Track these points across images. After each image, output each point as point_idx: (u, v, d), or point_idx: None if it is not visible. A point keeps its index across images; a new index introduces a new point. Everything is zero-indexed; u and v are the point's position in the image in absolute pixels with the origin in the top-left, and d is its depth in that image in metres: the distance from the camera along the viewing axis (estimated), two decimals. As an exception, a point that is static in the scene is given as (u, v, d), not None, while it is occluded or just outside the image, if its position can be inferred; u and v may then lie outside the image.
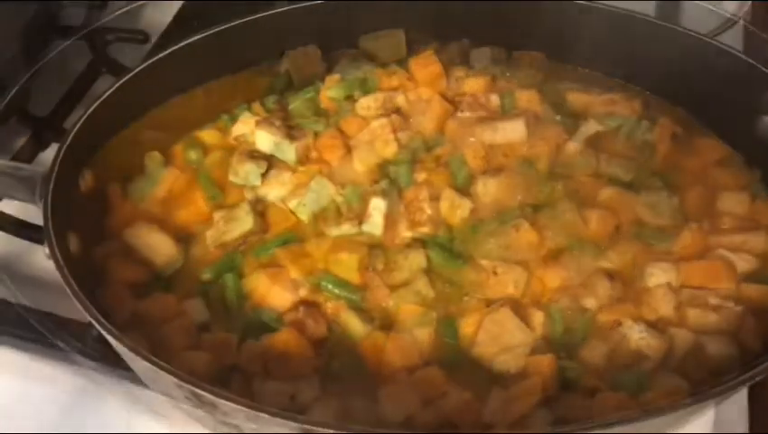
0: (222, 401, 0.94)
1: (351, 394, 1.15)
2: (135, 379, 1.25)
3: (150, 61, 1.39)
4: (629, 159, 1.45)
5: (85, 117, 1.28)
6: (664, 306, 1.24)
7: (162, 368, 0.96)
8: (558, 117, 1.51)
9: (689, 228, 1.33)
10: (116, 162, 1.38)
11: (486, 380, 1.17)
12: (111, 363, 1.28)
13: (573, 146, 1.46)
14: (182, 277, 1.30)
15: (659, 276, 1.28)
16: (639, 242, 1.33)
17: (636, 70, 1.55)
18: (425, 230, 1.31)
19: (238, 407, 0.93)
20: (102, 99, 1.32)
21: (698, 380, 1.17)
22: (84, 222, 1.27)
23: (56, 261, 1.08)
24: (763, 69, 1.40)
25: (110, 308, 1.21)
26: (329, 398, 1.15)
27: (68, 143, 1.24)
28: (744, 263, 1.29)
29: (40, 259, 1.43)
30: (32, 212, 1.27)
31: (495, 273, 1.26)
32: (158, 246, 1.29)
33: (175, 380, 0.95)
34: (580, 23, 1.54)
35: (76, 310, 1.25)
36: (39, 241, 1.19)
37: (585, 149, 1.46)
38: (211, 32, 1.47)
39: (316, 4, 1.55)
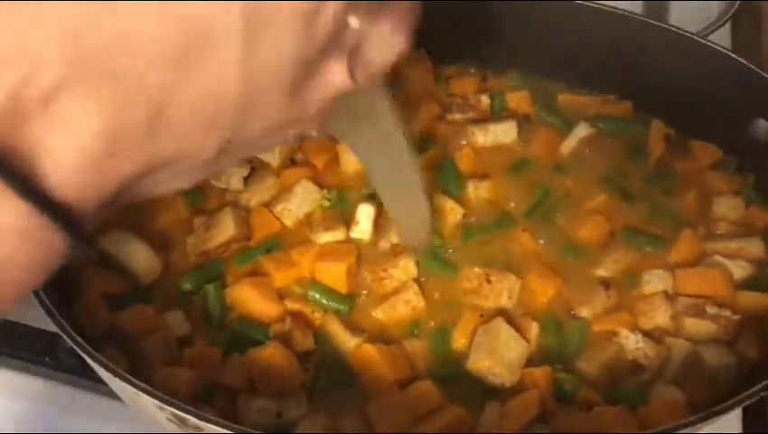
0: (208, 425, 0.88)
1: (339, 410, 1.11)
2: (111, 393, 1.19)
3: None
4: (622, 162, 1.42)
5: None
6: (661, 315, 1.21)
7: (141, 389, 0.90)
8: (550, 119, 1.47)
9: (685, 234, 1.30)
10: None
11: (480, 394, 1.13)
12: (85, 376, 1.24)
13: (566, 149, 1.43)
14: (161, 287, 1.23)
15: (655, 283, 1.25)
16: (633, 249, 1.30)
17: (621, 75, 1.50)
18: (420, 242, 1.27)
19: (224, 431, 0.88)
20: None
21: (695, 390, 1.14)
22: (56, 230, 1.20)
23: (26, 272, 1.01)
24: (757, 69, 1.37)
25: (85, 321, 1.15)
26: (316, 414, 1.10)
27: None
28: (739, 270, 1.26)
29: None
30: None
31: (489, 281, 1.22)
32: (136, 254, 1.22)
33: (156, 402, 0.90)
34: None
35: (46, 320, 1.20)
36: (8, 250, 1.12)
37: (577, 152, 1.43)
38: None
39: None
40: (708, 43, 1.39)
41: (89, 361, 0.94)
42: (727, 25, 1.80)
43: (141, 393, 0.90)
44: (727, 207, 1.35)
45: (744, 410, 1.26)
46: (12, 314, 1.26)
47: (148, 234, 1.27)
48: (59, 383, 1.26)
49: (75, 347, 0.94)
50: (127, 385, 0.91)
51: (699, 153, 1.43)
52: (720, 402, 1.01)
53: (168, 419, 0.95)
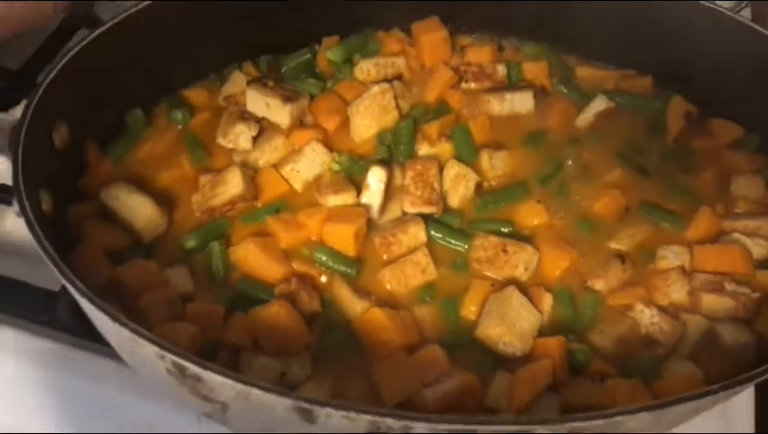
0: (209, 374, 0.85)
1: (344, 373, 1.07)
2: (110, 354, 1.15)
3: (127, 14, 1.27)
4: (640, 138, 1.39)
5: (58, 68, 1.17)
6: (677, 291, 1.18)
7: (141, 336, 0.87)
8: (567, 92, 1.44)
9: (703, 211, 1.27)
10: (94, 118, 1.26)
11: (490, 362, 1.10)
12: (83, 336, 1.20)
13: (582, 122, 1.40)
14: (163, 243, 1.20)
15: (671, 259, 1.22)
16: (650, 225, 1.27)
17: (642, 50, 1.47)
18: (432, 210, 1.23)
19: (227, 381, 0.84)
20: (75, 51, 1.20)
21: (712, 368, 1.11)
22: (58, 180, 1.17)
23: (26, 218, 0.98)
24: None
25: (84, 274, 1.08)
26: (321, 377, 1.06)
27: (39, 95, 1.13)
28: (759, 248, 1.23)
29: (7, 223, 1.34)
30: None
31: (505, 251, 1.18)
32: (138, 208, 1.19)
33: (156, 349, 0.86)
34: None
35: (44, 278, 1.16)
36: (7, 202, 1.09)
37: (594, 126, 1.39)
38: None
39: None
40: (736, 17, 1.35)
41: (89, 306, 0.90)
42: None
43: (140, 340, 0.87)
44: (747, 186, 1.32)
45: (757, 409, 1.22)
46: (9, 270, 1.23)
47: (151, 191, 1.24)
48: (57, 343, 1.22)
49: (74, 293, 0.90)
50: (126, 331, 0.87)
51: (719, 131, 1.40)
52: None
53: (168, 370, 0.91)
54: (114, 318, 0.88)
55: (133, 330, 0.87)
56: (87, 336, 1.19)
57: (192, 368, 0.85)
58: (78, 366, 1.20)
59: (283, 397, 0.83)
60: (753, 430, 1.19)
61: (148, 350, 0.88)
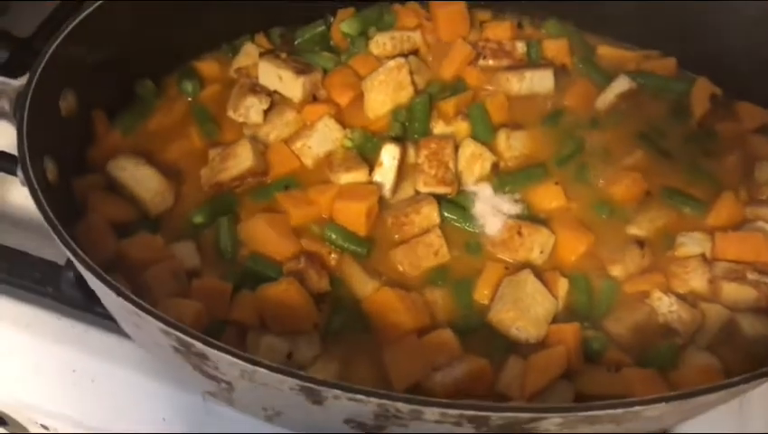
0: (214, 352, 0.82)
1: (353, 355, 1.05)
2: (114, 329, 1.13)
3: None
4: (662, 120, 1.34)
5: (66, 33, 1.14)
6: (697, 279, 1.15)
7: (146, 311, 0.84)
8: (588, 71, 1.39)
9: (725, 197, 1.23)
10: (102, 87, 1.23)
11: (503, 348, 1.07)
12: (88, 309, 1.18)
13: (603, 103, 1.35)
14: (171, 218, 1.18)
15: (691, 246, 1.18)
16: (670, 210, 1.23)
17: (667, 30, 1.42)
18: (446, 190, 1.20)
19: (232, 359, 0.82)
20: (84, 14, 1.17)
21: (731, 359, 1.08)
22: (64, 150, 1.14)
23: (30, 186, 0.95)
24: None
25: (89, 247, 1.06)
26: (329, 358, 1.04)
27: (46, 60, 1.10)
28: (783, 237, 1.19)
29: (13, 194, 1.32)
30: (4, 141, 1.14)
31: (520, 234, 1.15)
32: (146, 180, 1.16)
33: (161, 325, 0.84)
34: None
35: (51, 251, 1.14)
36: (13, 173, 1.06)
37: (615, 107, 1.35)
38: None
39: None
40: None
41: (93, 280, 0.88)
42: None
43: (145, 316, 0.84)
44: (773, 172, 1.27)
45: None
46: (12, 240, 1.21)
47: (160, 163, 1.21)
48: (61, 315, 1.20)
49: (78, 265, 0.88)
50: (131, 306, 0.85)
51: (745, 115, 1.35)
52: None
53: (173, 347, 0.89)
54: (118, 292, 0.86)
55: (137, 305, 0.85)
56: (91, 310, 1.17)
57: (198, 345, 0.83)
58: (81, 339, 1.18)
59: (289, 377, 0.81)
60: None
61: (153, 326, 0.86)
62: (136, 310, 0.85)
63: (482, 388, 1.03)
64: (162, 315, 0.84)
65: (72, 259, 0.89)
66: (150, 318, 0.84)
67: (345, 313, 1.09)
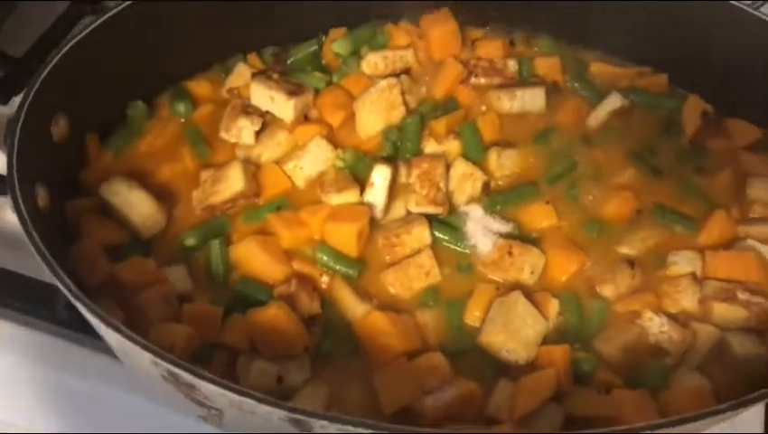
0: (203, 383, 0.83)
1: (343, 379, 1.05)
2: (110, 350, 1.13)
3: (132, 1, 1.24)
4: (654, 138, 1.35)
5: (58, 57, 1.15)
6: (687, 299, 1.15)
7: (136, 342, 0.85)
8: (580, 89, 1.40)
9: (716, 215, 1.23)
10: (94, 110, 1.24)
11: (493, 370, 1.07)
12: (83, 331, 1.18)
13: (595, 121, 1.36)
14: (163, 240, 1.18)
15: (682, 265, 1.18)
16: (662, 228, 1.23)
17: (658, 46, 1.42)
18: (438, 210, 1.20)
19: (221, 390, 0.82)
20: (78, 38, 1.18)
21: (722, 380, 1.08)
22: (56, 174, 1.14)
23: (19, 214, 0.96)
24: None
25: (81, 271, 1.10)
26: (320, 382, 1.04)
27: (38, 85, 1.10)
28: (774, 256, 1.19)
29: (8, 214, 1.32)
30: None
31: (510, 254, 1.15)
32: (138, 204, 1.16)
33: (151, 356, 0.84)
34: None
35: (47, 271, 1.14)
36: (4, 193, 1.07)
37: (607, 124, 1.35)
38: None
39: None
40: (756, 14, 1.30)
41: (82, 309, 0.89)
42: None
43: (134, 346, 0.85)
44: (763, 189, 1.27)
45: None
46: (7, 261, 1.21)
47: (152, 185, 1.22)
48: (56, 338, 1.21)
49: (68, 294, 0.89)
50: (120, 336, 0.85)
51: (737, 132, 1.35)
52: (748, 394, 0.95)
53: (163, 376, 0.89)
54: (107, 323, 0.86)
55: (126, 335, 0.86)
56: (87, 332, 1.17)
57: (186, 376, 0.84)
58: (77, 362, 1.18)
59: (277, 408, 0.81)
60: (762, 431, 1.16)
61: (142, 355, 0.87)
62: (124, 340, 0.85)
63: (472, 411, 1.03)
64: (150, 346, 0.84)
65: (61, 287, 0.89)
66: (138, 349, 0.85)
67: (336, 336, 1.09)
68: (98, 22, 1.22)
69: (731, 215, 1.24)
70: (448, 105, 1.34)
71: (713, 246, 1.21)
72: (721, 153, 1.33)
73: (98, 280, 1.10)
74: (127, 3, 1.25)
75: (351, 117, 1.30)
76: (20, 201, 0.97)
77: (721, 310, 1.13)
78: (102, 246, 1.13)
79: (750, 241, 1.20)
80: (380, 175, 1.20)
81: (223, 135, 1.28)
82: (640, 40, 1.41)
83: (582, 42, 1.45)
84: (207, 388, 0.83)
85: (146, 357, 0.86)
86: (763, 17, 1.30)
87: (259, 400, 0.81)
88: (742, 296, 1.14)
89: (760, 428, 1.17)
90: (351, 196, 1.20)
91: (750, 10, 1.29)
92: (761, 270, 1.16)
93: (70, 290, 0.89)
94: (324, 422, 0.81)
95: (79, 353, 1.19)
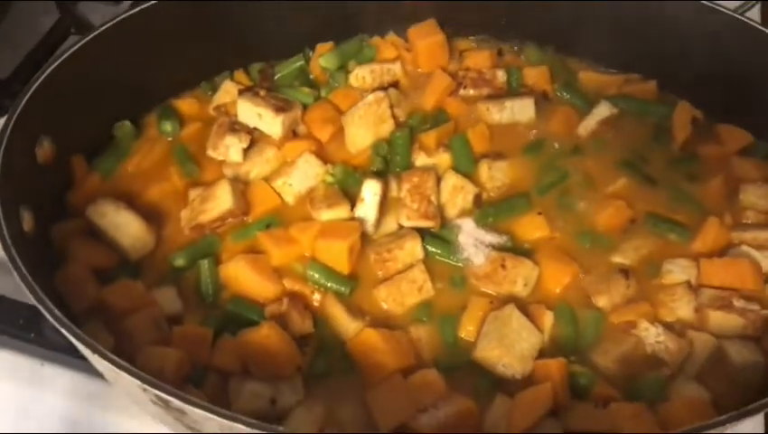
0: (191, 408, 0.81)
1: (337, 398, 1.04)
2: (97, 372, 1.12)
3: (119, 19, 1.23)
4: (644, 145, 1.34)
5: (43, 77, 1.13)
6: (683, 307, 1.14)
7: (123, 369, 0.83)
8: (569, 98, 1.39)
9: (710, 222, 1.22)
10: (80, 131, 1.23)
11: (489, 385, 1.06)
12: (71, 353, 1.16)
13: (585, 130, 1.35)
14: (151, 262, 1.16)
15: (677, 273, 1.17)
16: (655, 237, 1.22)
17: (646, 53, 1.41)
18: (429, 224, 1.19)
19: (210, 416, 0.81)
20: (62, 59, 1.17)
21: (720, 389, 1.07)
22: (41, 197, 1.13)
23: (1, 238, 0.94)
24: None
25: (69, 295, 1.08)
26: (314, 401, 1.03)
27: (21, 108, 1.09)
28: (768, 262, 1.18)
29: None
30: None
31: (504, 266, 1.14)
32: (126, 226, 1.15)
33: (138, 382, 0.82)
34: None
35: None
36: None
37: (597, 133, 1.35)
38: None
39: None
40: (744, 20, 1.29)
41: (67, 334, 0.87)
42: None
43: (122, 373, 0.83)
44: (756, 195, 1.27)
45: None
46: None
47: (140, 206, 1.20)
48: (44, 361, 1.19)
49: (51, 320, 0.87)
50: (108, 363, 0.84)
51: (727, 137, 1.35)
52: (746, 403, 0.93)
53: (152, 401, 0.87)
54: (92, 348, 0.85)
55: (111, 361, 0.84)
56: (75, 354, 1.16)
57: (175, 402, 0.82)
58: (66, 384, 1.16)
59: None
60: (763, 431, 1.15)
61: (129, 382, 0.85)
62: (112, 367, 0.84)
63: (469, 428, 1.01)
64: (138, 372, 0.83)
65: (46, 315, 0.88)
66: (126, 375, 0.83)
67: (329, 354, 1.08)
68: (83, 41, 1.21)
69: (724, 222, 1.23)
70: (437, 117, 1.34)
71: (707, 253, 1.20)
72: (712, 159, 1.33)
73: (85, 304, 1.08)
74: (111, 23, 1.24)
75: (339, 132, 1.29)
76: (2, 224, 0.95)
77: (717, 318, 1.12)
78: (90, 269, 1.12)
79: (744, 248, 1.19)
80: (371, 190, 1.19)
81: (211, 153, 1.26)
82: (627, 47, 1.40)
83: (570, 51, 1.44)
84: (196, 413, 0.82)
85: (134, 383, 0.84)
86: (747, 21, 1.29)
87: (249, 425, 0.80)
88: (737, 303, 1.13)
89: (761, 428, 1.15)
90: (341, 212, 1.19)
91: (734, 14, 1.29)
92: (755, 277, 1.15)
93: (53, 316, 0.87)
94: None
95: (67, 375, 1.17)
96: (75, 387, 1.16)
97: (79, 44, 1.21)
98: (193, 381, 1.01)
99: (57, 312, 0.87)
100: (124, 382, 0.90)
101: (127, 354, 0.97)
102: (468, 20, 1.44)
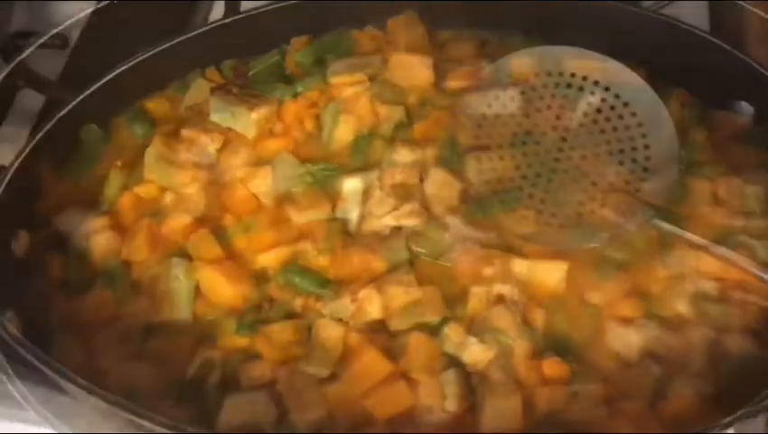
0: (164, 431, 0.76)
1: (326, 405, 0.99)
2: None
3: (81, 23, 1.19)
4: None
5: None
6: (680, 301, 1.10)
7: (91, 392, 0.78)
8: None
9: (707, 211, 1.19)
10: (46, 136, 1.17)
11: (481, 388, 1.01)
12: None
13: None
14: (123, 272, 1.11)
15: (673, 266, 1.13)
16: (651, 228, 1.18)
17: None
18: (414, 222, 1.14)
19: (182, 436, 0.76)
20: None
21: (721, 384, 1.03)
22: (5, 206, 1.07)
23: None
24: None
25: (37, 308, 1.04)
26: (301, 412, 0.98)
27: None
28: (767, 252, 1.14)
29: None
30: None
31: (492, 264, 1.09)
32: (96, 235, 1.11)
33: (104, 404, 0.77)
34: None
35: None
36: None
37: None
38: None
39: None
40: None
41: (27, 355, 0.82)
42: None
43: (88, 396, 0.78)
44: (754, 182, 1.22)
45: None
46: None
47: (112, 213, 1.16)
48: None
49: (9, 341, 0.82)
50: (73, 386, 0.79)
51: (723, 124, 1.31)
52: (747, 398, 0.91)
53: (125, 422, 0.83)
54: (54, 370, 0.80)
55: (80, 386, 0.79)
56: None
57: (148, 425, 0.77)
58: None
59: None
60: (764, 431, 1.10)
61: (100, 403, 0.80)
62: (78, 389, 0.79)
63: (464, 429, 0.98)
64: (104, 393, 0.78)
65: (6, 337, 0.83)
66: (94, 398, 0.78)
67: (314, 361, 1.03)
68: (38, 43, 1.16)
69: (722, 211, 1.19)
70: (420, 111, 1.29)
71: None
72: (708, 146, 1.28)
73: (54, 318, 1.04)
74: (84, 13, 1.19)
75: (317, 129, 1.25)
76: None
77: (715, 311, 1.09)
78: (58, 280, 1.08)
79: (742, 237, 1.16)
80: (352, 189, 1.15)
81: (183, 155, 1.21)
82: (615, 34, 1.36)
83: (556, 40, 1.40)
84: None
85: (103, 406, 0.79)
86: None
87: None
88: (735, 295, 1.09)
89: (762, 428, 1.12)
90: (321, 213, 1.15)
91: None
92: (755, 267, 1.11)
93: (10, 336, 0.82)
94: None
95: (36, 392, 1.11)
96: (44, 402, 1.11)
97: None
98: (170, 397, 0.97)
99: (12, 330, 0.83)
100: (92, 402, 0.85)
101: (99, 371, 0.93)
102: (450, 11, 1.39)
